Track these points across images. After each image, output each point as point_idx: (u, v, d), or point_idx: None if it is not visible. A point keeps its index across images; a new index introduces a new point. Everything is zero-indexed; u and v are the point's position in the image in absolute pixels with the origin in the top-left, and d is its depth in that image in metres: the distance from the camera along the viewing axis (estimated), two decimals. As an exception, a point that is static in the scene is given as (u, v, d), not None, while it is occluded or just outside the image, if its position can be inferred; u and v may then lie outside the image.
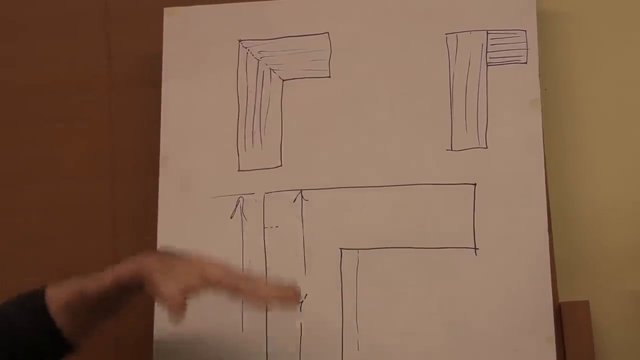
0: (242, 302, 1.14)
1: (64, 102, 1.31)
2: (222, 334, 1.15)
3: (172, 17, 1.23)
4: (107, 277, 0.99)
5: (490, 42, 1.18)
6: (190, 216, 1.18)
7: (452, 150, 1.16)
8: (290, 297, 0.97)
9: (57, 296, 1.00)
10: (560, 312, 1.13)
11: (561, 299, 1.15)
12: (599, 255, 1.20)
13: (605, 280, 1.19)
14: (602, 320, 1.17)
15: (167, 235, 1.18)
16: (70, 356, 1.01)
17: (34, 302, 1.00)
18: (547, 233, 1.12)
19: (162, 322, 1.15)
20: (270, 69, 1.22)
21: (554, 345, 1.09)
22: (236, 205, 1.18)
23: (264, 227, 1.17)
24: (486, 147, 1.16)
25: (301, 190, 1.18)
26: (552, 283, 1.11)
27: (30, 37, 1.34)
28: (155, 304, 1.13)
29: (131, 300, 1.04)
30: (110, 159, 1.29)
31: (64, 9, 1.33)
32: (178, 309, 0.93)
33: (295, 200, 1.18)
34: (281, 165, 1.19)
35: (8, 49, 1.33)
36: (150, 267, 0.97)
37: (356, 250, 1.15)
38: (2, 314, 1.00)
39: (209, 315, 1.15)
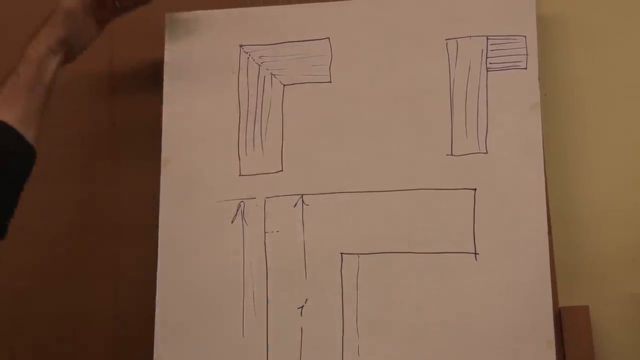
0: (243, 308, 1.15)
1: (67, 105, 1.32)
2: (222, 339, 1.15)
3: (174, 23, 1.24)
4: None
5: (490, 47, 1.19)
6: (192, 220, 1.19)
7: (452, 155, 1.16)
8: None
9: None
10: (560, 316, 1.14)
11: (561, 304, 1.15)
12: (599, 259, 1.20)
13: (604, 284, 1.20)
14: (602, 324, 1.18)
15: (168, 239, 1.18)
16: (35, 157, 1.07)
17: None
18: (547, 237, 1.12)
19: (162, 333, 1.15)
20: (271, 74, 1.22)
21: (554, 349, 1.09)
22: (237, 210, 1.19)
23: (264, 232, 1.18)
24: (486, 152, 1.16)
25: (302, 195, 1.18)
26: (552, 287, 1.11)
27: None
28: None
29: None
30: (112, 163, 1.29)
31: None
32: None
33: (296, 204, 1.18)
34: (282, 170, 1.19)
35: (11, 54, 1.33)
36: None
37: (357, 255, 1.15)
38: None
39: (209, 320, 1.15)
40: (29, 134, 1.07)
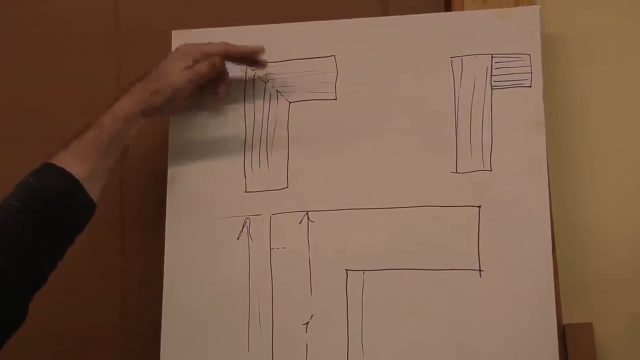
0: (249, 324, 1.15)
1: (73, 122, 1.32)
2: (228, 355, 1.15)
3: (181, 40, 1.24)
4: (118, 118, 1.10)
5: (494, 65, 1.19)
6: (197, 237, 1.19)
7: (457, 172, 1.17)
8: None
9: (69, 156, 1.06)
10: (564, 333, 1.14)
11: (565, 321, 1.15)
12: (603, 276, 1.21)
13: (608, 301, 1.20)
14: (605, 341, 1.18)
15: (174, 256, 1.19)
16: (92, 214, 1.08)
17: (49, 167, 1.06)
18: (551, 255, 1.12)
19: (168, 349, 1.16)
20: (277, 91, 1.23)
21: (558, 366, 1.10)
22: (243, 226, 1.19)
23: (270, 248, 1.18)
24: (491, 170, 1.16)
25: (307, 211, 1.18)
26: (556, 305, 1.11)
27: (39, 57, 1.35)
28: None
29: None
30: (118, 180, 1.30)
31: (74, 29, 1.35)
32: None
33: (301, 221, 1.18)
34: (287, 187, 1.20)
35: (18, 69, 1.35)
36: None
37: (362, 272, 1.16)
38: (25, 183, 1.05)
39: (215, 336, 1.16)
40: (92, 190, 1.07)
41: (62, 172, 1.05)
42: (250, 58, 1.20)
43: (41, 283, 1.02)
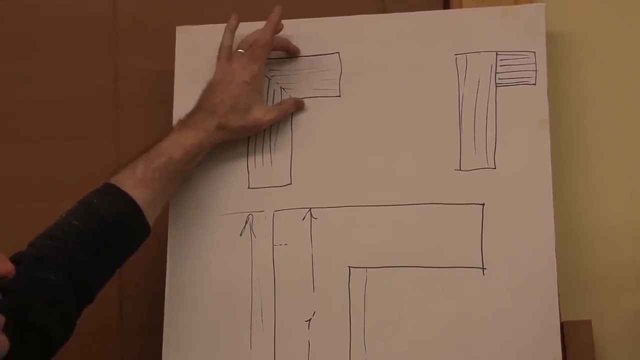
0: (251, 320, 1.15)
1: (72, 120, 1.33)
2: (230, 352, 1.15)
3: (184, 36, 1.24)
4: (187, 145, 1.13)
5: (499, 63, 1.19)
6: (200, 233, 1.19)
7: (460, 170, 1.17)
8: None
9: (133, 181, 1.08)
10: (563, 331, 1.13)
11: (564, 318, 1.15)
12: (602, 274, 1.21)
13: (608, 299, 1.20)
14: (604, 338, 1.18)
15: (177, 252, 1.19)
16: (146, 238, 1.10)
17: (112, 189, 1.07)
18: (554, 253, 1.12)
19: (170, 346, 1.16)
20: (281, 87, 1.23)
21: (560, 364, 1.09)
22: (246, 223, 1.19)
23: (273, 245, 1.18)
24: (494, 168, 1.16)
25: (310, 208, 1.18)
26: (555, 302, 1.12)
27: (37, 55, 1.35)
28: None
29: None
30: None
31: (72, 29, 1.35)
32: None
33: (304, 218, 1.18)
34: (291, 183, 1.20)
35: (16, 67, 1.35)
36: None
37: (364, 269, 1.15)
38: (86, 203, 1.06)
39: (217, 333, 1.16)
40: (150, 215, 1.10)
41: (124, 196, 1.07)
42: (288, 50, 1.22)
43: (89, 301, 1.05)
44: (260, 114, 1.17)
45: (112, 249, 1.06)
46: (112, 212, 1.05)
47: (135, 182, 1.08)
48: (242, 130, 1.17)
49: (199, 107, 1.15)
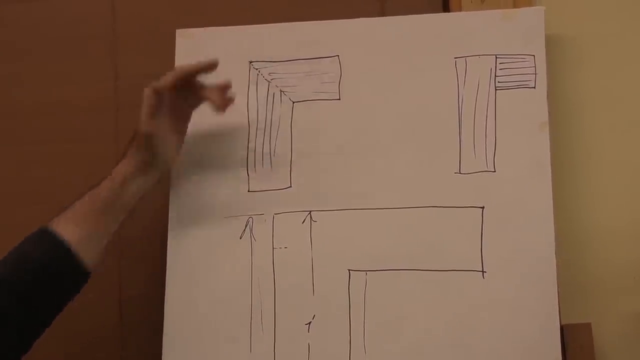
0: (251, 323, 1.15)
1: (71, 123, 1.33)
2: (230, 355, 1.15)
3: (184, 39, 1.24)
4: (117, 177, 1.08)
5: (499, 66, 1.19)
6: (200, 236, 1.19)
7: (460, 173, 1.17)
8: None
9: (64, 220, 1.04)
10: (563, 334, 1.13)
11: (564, 321, 1.15)
12: (602, 277, 1.21)
13: (607, 301, 1.20)
14: (604, 341, 1.18)
15: (177, 255, 1.19)
16: (86, 282, 1.05)
17: (43, 233, 1.03)
18: (554, 256, 1.12)
19: (169, 349, 1.16)
20: (281, 90, 1.23)
21: (561, 368, 1.09)
22: (245, 226, 1.19)
23: (273, 248, 1.18)
24: (494, 171, 1.16)
25: (310, 211, 1.18)
26: (555, 305, 1.12)
27: (37, 57, 1.35)
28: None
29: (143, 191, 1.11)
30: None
31: (72, 30, 1.35)
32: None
33: (304, 221, 1.18)
34: (290, 187, 1.20)
35: (16, 69, 1.35)
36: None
37: (364, 272, 1.16)
38: (17, 249, 1.03)
39: (217, 336, 1.16)
40: (87, 255, 1.04)
41: (52, 238, 1.03)
42: (202, 70, 1.14)
43: (24, 350, 1.01)
44: (138, 123, 1.11)
45: (42, 296, 1.01)
46: (39, 257, 1.01)
47: (64, 222, 1.04)
48: (139, 148, 1.11)
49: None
